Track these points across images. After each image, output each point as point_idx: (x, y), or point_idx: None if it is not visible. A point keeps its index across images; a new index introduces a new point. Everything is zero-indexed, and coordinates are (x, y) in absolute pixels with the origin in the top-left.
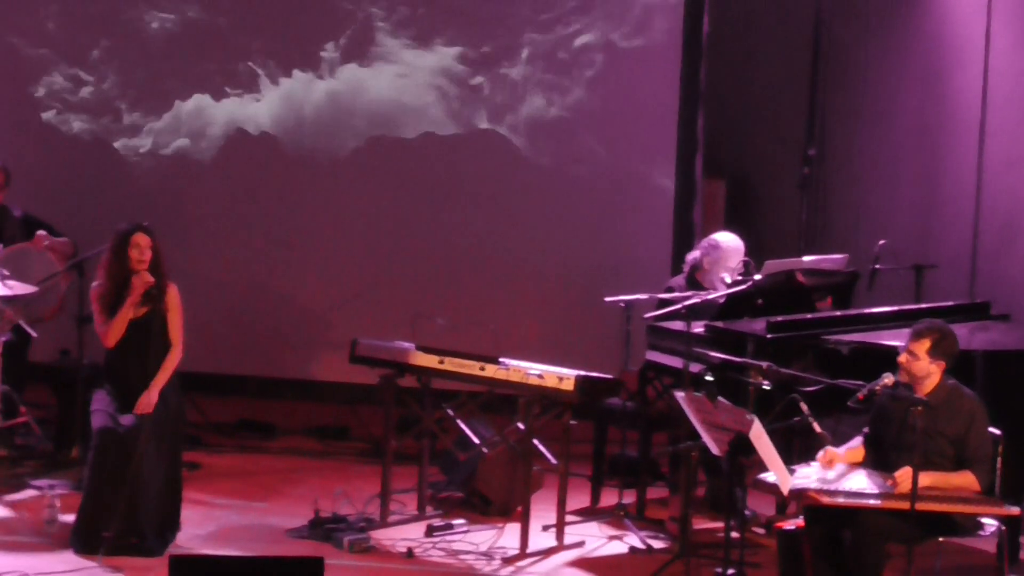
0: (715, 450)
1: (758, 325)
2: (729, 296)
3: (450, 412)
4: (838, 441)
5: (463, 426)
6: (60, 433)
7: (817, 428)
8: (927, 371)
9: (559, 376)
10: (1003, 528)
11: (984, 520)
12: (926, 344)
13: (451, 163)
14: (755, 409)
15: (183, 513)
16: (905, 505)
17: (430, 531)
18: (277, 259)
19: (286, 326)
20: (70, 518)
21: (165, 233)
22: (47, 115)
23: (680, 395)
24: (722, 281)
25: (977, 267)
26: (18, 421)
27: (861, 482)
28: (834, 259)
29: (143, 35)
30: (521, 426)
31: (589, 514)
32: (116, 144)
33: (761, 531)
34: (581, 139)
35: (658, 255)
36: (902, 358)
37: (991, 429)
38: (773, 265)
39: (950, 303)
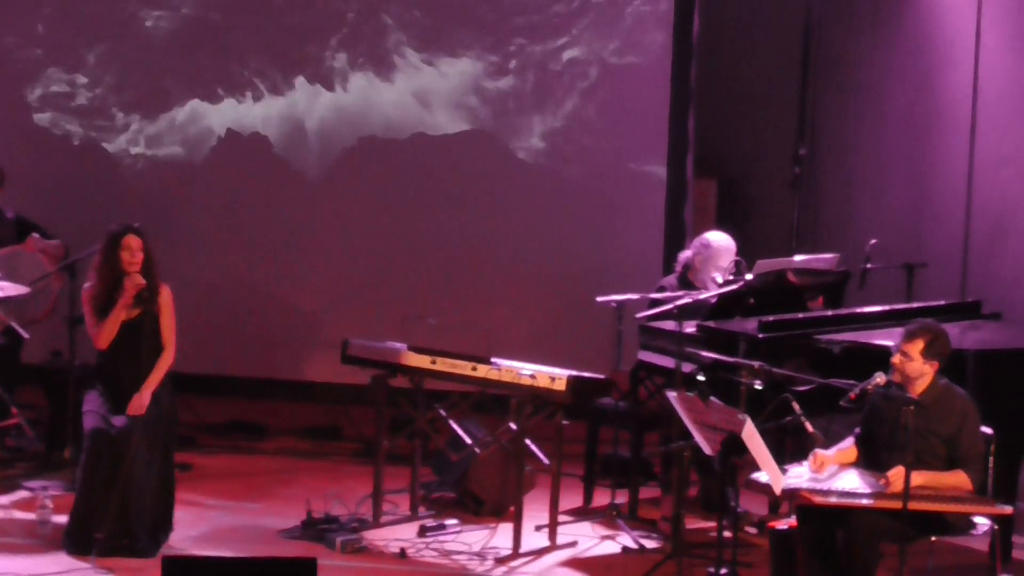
0: (707, 450)
1: (750, 325)
2: (721, 296)
3: (442, 412)
4: (831, 441)
5: (455, 426)
6: (52, 434)
7: (809, 428)
8: (920, 372)
9: (551, 376)
10: (995, 527)
11: (976, 519)
12: (920, 345)
13: (443, 164)
14: (747, 409)
15: (175, 514)
16: (897, 504)
17: (423, 531)
18: (269, 260)
19: (278, 327)
20: (62, 519)
21: (157, 235)
22: (39, 117)
23: (672, 395)
24: (713, 281)
25: (968, 266)
26: (10, 423)
27: (853, 482)
28: (825, 258)
29: (136, 37)
30: (513, 426)
31: (582, 514)
32: (108, 146)
33: (753, 531)
34: (572, 140)
35: (649, 255)
36: (895, 359)
37: (983, 428)
38: (764, 265)
39: (941, 302)
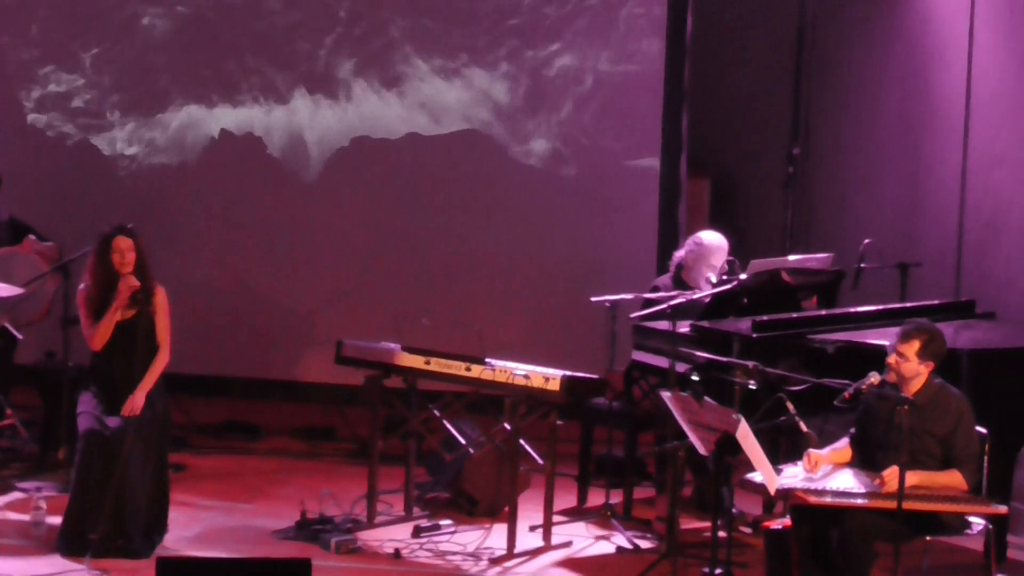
0: (702, 450)
1: (744, 324)
2: (714, 295)
3: (436, 413)
4: (825, 440)
5: (449, 427)
6: (46, 435)
7: (803, 427)
8: (916, 372)
9: (545, 376)
10: (990, 527)
11: (971, 519)
12: (915, 345)
13: (436, 163)
14: (741, 409)
15: (170, 515)
16: (892, 504)
17: (417, 532)
18: (262, 261)
19: (271, 327)
20: (56, 520)
21: (151, 236)
22: (34, 118)
23: (666, 395)
24: (707, 280)
25: (962, 265)
26: (4, 424)
27: (848, 481)
28: (819, 258)
29: (131, 39)
30: (507, 426)
31: (576, 514)
32: (103, 148)
33: (748, 531)
34: (566, 140)
35: (643, 255)
36: (891, 359)
37: (977, 428)
38: (758, 264)
39: (935, 301)
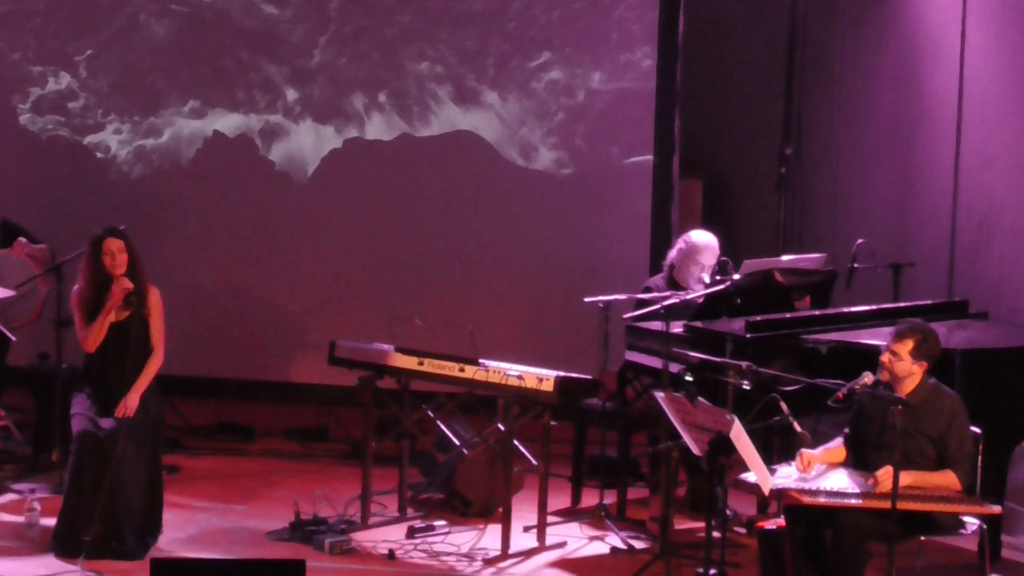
0: (695, 450)
1: (737, 325)
2: (708, 296)
3: (430, 413)
4: (819, 440)
5: (443, 427)
6: (39, 437)
7: (797, 427)
8: (909, 371)
9: (539, 377)
10: (984, 527)
11: (966, 519)
12: (909, 345)
13: (430, 166)
14: (735, 409)
15: (163, 516)
16: (886, 504)
17: (411, 533)
18: (255, 262)
19: (264, 328)
20: (50, 522)
21: (144, 237)
22: (27, 120)
23: (660, 395)
24: (700, 280)
25: (955, 265)
26: None
27: (842, 481)
28: (812, 258)
29: (125, 41)
30: (501, 427)
31: (570, 515)
32: (96, 150)
33: (742, 531)
34: (559, 140)
35: (636, 255)
36: (885, 358)
37: (971, 428)
38: (751, 265)
39: (928, 302)
